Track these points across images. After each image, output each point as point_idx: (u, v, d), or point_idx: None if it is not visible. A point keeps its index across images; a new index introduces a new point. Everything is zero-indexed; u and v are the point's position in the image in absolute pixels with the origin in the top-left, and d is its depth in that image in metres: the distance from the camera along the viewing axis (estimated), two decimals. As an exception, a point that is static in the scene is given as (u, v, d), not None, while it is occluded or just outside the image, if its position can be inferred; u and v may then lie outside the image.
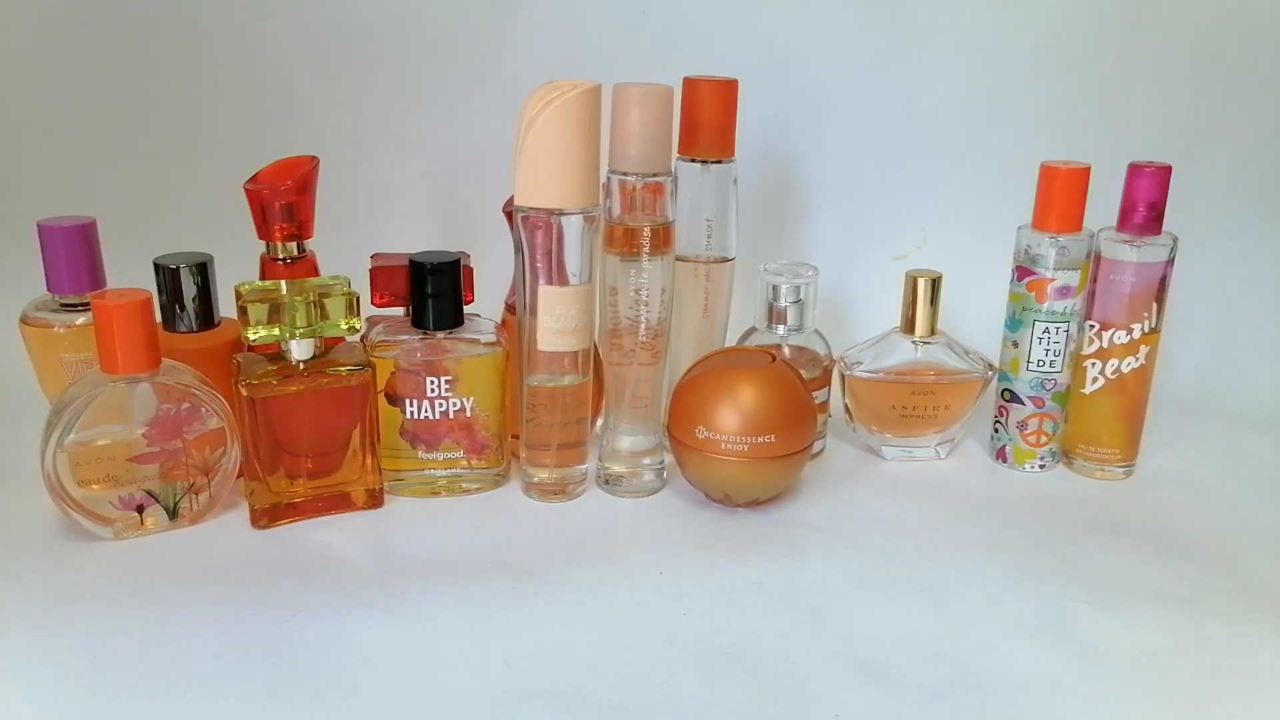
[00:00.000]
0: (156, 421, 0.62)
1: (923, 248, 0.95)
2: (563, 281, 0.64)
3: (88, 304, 0.66)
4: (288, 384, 0.62)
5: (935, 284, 0.74)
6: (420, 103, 0.93)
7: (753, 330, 0.77)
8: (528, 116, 0.61)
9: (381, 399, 0.67)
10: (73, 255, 0.66)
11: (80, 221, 0.67)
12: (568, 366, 0.67)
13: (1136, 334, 0.72)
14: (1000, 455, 0.77)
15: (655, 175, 0.65)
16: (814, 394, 0.71)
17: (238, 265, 0.70)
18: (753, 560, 0.63)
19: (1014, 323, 0.74)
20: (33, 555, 0.61)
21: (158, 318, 0.64)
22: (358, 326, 0.64)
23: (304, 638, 0.54)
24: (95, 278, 0.68)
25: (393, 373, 0.67)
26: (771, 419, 0.65)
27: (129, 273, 0.68)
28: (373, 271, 0.69)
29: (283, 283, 0.62)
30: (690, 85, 0.70)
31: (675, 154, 0.70)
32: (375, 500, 0.68)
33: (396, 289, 0.68)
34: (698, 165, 0.71)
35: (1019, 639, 0.56)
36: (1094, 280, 0.72)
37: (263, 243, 0.70)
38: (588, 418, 0.70)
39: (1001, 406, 0.77)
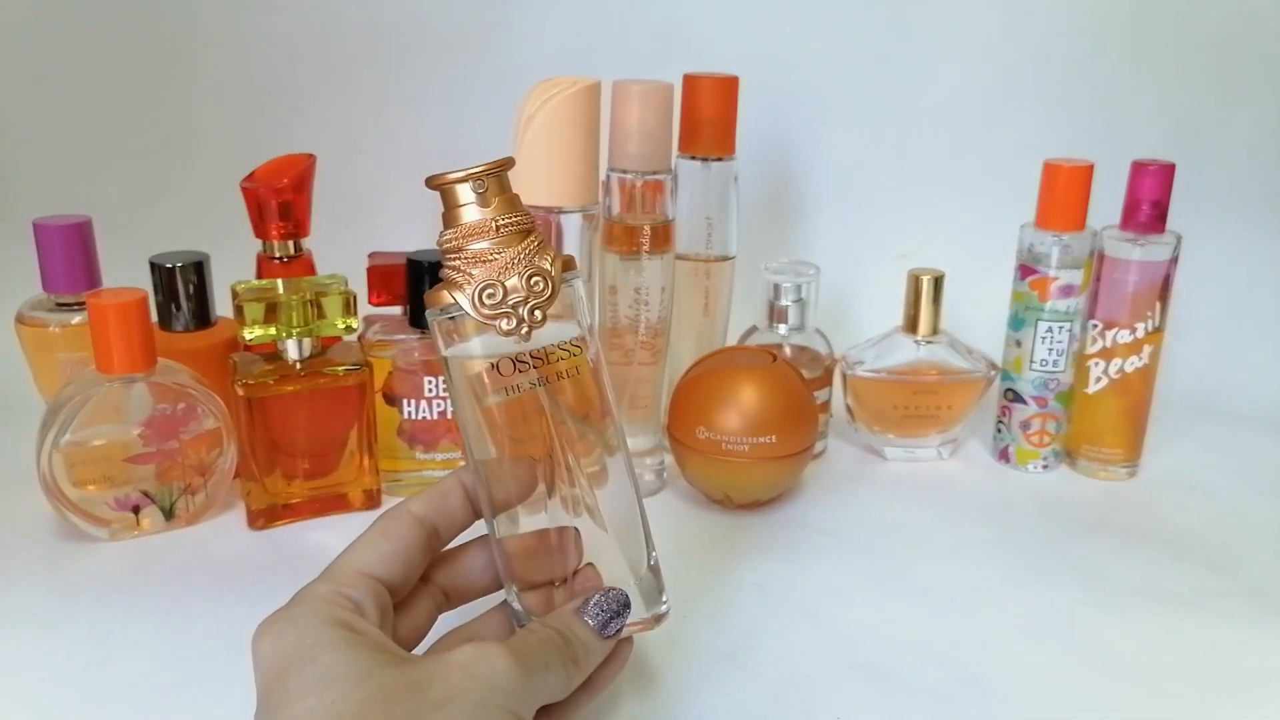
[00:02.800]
0: (152, 422, 0.61)
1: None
2: (562, 280, 0.64)
3: (83, 303, 0.65)
4: (284, 384, 0.62)
5: (938, 283, 0.74)
6: (418, 101, 0.93)
7: (754, 329, 0.76)
8: (526, 114, 0.60)
9: (379, 399, 0.66)
10: (68, 254, 0.66)
11: (76, 220, 0.66)
12: (567, 366, 0.66)
13: (1140, 333, 0.71)
14: (1003, 455, 0.77)
15: (655, 173, 0.65)
16: (815, 394, 0.71)
17: (234, 264, 0.70)
18: (753, 561, 0.62)
19: (1017, 322, 0.74)
20: (28, 556, 0.60)
21: (154, 317, 0.63)
22: (355, 326, 0.63)
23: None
24: (91, 277, 0.67)
25: (390, 373, 0.66)
26: (772, 419, 0.64)
27: (125, 272, 0.68)
28: (370, 270, 0.68)
29: (279, 282, 0.62)
30: (691, 82, 0.69)
31: (675, 151, 0.69)
32: (373, 501, 0.67)
33: (394, 288, 0.68)
34: (698, 163, 0.70)
35: (1021, 640, 0.55)
36: (1097, 279, 0.72)
37: (259, 241, 0.70)
38: (587, 418, 0.70)
39: (1004, 406, 0.76)
